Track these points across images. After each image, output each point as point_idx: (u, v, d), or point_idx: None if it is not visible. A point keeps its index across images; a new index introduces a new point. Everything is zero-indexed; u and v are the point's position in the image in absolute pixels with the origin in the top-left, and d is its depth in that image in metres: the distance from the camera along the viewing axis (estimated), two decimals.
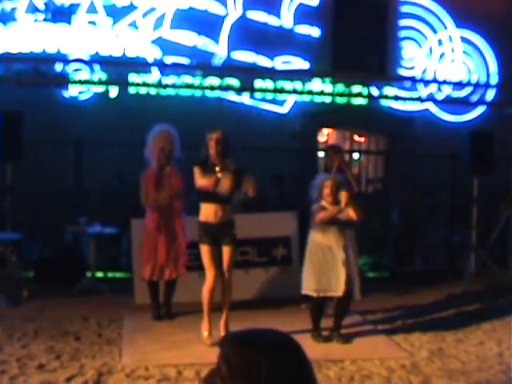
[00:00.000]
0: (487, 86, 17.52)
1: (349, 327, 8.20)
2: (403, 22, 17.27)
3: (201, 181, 7.53)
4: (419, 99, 16.88)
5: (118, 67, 14.80)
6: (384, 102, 16.85)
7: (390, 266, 12.54)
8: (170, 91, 15.05)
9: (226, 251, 7.59)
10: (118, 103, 14.53)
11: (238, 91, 15.49)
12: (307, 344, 7.55)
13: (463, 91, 17.29)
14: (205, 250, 7.54)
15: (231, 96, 15.56)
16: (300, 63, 16.26)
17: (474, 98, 17.32)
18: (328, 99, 16.20)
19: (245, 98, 15.73)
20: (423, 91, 16.99)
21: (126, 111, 13.83)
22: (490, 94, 17.46)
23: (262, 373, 1.80)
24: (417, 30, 17.34)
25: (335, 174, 8.22)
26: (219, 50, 15.72)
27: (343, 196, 7.67)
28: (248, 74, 15.33)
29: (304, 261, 7.88)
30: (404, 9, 17.25)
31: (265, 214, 10.37)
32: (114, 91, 14.77)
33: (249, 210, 9.80)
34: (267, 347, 1.86)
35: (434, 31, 17.38)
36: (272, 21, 16.13)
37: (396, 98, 16.58)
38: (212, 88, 15.11)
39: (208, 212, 7.57)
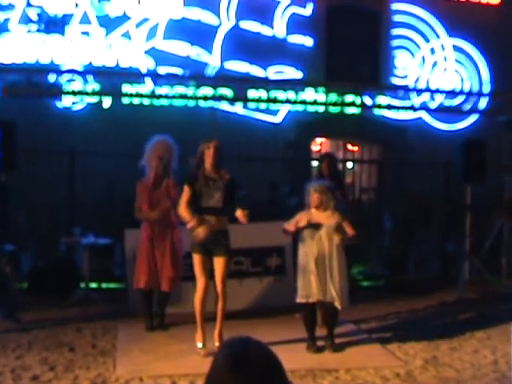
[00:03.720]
0: (480, 94, 17.59)
1: (343, 336, 8.19)
2: (396, 31, 17.35)
3: (183, 211, 7.54)
4: (412, 108, 16.94)
5: (111, 78, 14.82)
6: (377, 111, 16.90)
7: (384, 274, 12.55)
8: (164, 101, 15.07)
9: (218, 262, 7.53)
10: (112, 114, 14.54)
11: (232, 101, 15.53)
12: (301, 353, 7.56)
13: (456, 100, 17.35)
14: (196, 259, 7.53)
15: (224, 106, 15.60)
16: (293, 73, 16.31)
17: (467, 106, 17.39)
18: (321, 108, 16.25)
19: (238, 108, 15.76)
20: (416, 100, 17.05)
21: (120, 122, 13.85)
22: (483, 103, 17.53)
23: None
24: (409, 39, 17.42)
25: (325, 181, 8.26)
26: (212, 60, 15.76)
27: (347, 226, 7.72)
28: (241, 84, 15.36)
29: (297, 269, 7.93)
30: (396, 18, 17.33)
31: (258, 223, 10.36)
32: (107, 102, 14.79)
33: None
34: (261, 364, 1.87)
35: (427, 40, 17.46)
36: (265, 31, 16.19)
37: (389, 107, 16.62)
38: (205, 98, 15.15)
39: None
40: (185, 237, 8.37)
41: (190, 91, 15.14)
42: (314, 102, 16.03)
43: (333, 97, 16.18)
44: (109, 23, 15.18)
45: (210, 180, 7.50)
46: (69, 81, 14.77)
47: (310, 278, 7.56)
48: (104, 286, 11.03)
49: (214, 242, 7.50)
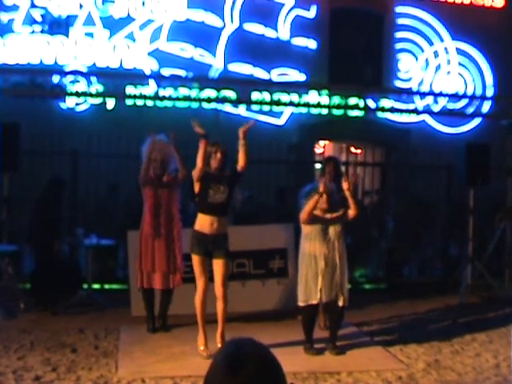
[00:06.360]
0: (483, 97, 17.58)
1: (345, 339, 8.19)
2: (399, 34, 17.35)
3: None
4: (415, 111, 16.94)
5: (115, 79, 14.83)
6: (380, 114, 16.90)
7: (386, 277, 12.53)
8: (167, 103, 15.09)
9: (218, 265, 7.55)
10: (115, 115, 14.56)
11: (235, 103, 15.53)
12: (303, 356, 7.56)
13: (459, 103, 17.35)
14: (196, 260, 7.54)
15: (228, 108, 15.60)
16: (296, 75, 16.32)
17: (470, 109, 17.38)
18: (324, 111, 16.26)
19: (241, 110, 15.76)
20: (419, 103, 17.05)
21: (123, 123, 13.84)
22: (486, 106, 17.52)
23: None
24: (413, 42, 17.42)
25: (328, 183, 8.20)
26: (216, 62, 15.78)
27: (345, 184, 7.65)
28: (245, 86, 15.37)
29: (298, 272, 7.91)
30: (400, 21, 17.33)
31: (261, 226, 10.39)
32: (110, 103, 14.81)
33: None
34: (258, 364, 1.87)
35: (430, 43, 17.46)
36: (269, 33, 16.20)
37: (392, 109, 16.63)
38: (209, 100, 15.16)
39: (204, 222, 7.56)
40: (184, 239, 8.39)
41: (193, 93, 15.16)
42: (318, 105, 16.04)
43: (336, 99, 16.19)
44: (113, 24, 15.21)
45: (215, 179, 7.56)
46: (72, 82, 14.79)
47: (319, 279, 7.55)
48: (107, 287, 11.02)
49: (214, 243, 7.52)
